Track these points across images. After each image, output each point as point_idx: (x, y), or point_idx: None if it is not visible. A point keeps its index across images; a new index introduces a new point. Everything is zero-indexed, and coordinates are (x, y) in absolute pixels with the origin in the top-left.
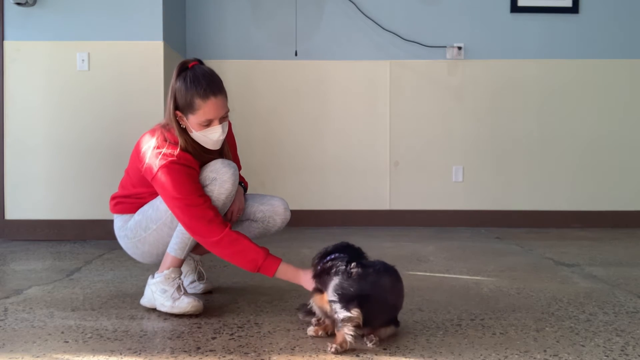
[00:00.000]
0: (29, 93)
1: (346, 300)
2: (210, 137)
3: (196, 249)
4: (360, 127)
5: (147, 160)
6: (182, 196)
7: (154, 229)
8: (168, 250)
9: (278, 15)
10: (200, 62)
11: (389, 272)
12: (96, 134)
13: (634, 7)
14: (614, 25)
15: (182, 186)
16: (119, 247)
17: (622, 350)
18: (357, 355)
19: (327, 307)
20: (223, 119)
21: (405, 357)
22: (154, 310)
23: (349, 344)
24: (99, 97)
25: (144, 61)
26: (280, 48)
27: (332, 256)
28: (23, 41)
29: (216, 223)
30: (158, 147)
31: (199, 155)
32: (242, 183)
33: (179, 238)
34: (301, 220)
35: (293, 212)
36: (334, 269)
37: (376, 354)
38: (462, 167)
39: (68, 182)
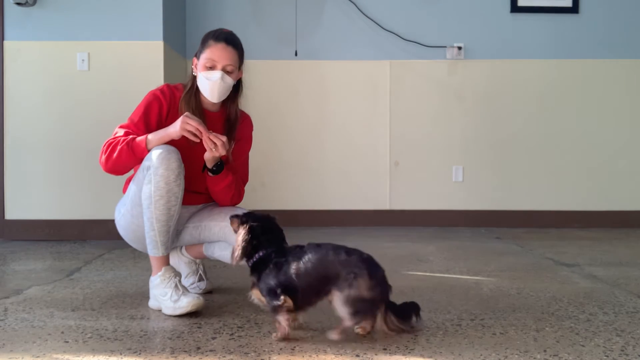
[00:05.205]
0: (29, 93)
1: (271, 290)
2: (210, 77)
3: (193, 251)
4: (360, 127)
5: None
6: (130, 117)
7: (128, 210)
8: (148, 252)
9: (278, 15)
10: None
11: (315, 250)
12: (96, 134)
13: (634, 7)
14: (614, 25)
15: (139, 108)
16: (119, 247)
17: (622, 350)
18: (357, 356)
19: (263, 299)
20: (227, 72)
21: (405, 357)
22: (153, 310)
23: (286, 331)
24: (99, 97)
25: (144, 61)
26: (280, 48)
27: (261, 253)
28: (23, 41)
29: (121, 132)
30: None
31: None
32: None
33: (148, 236)
34: (301, 220)
35: (293, 211)
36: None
37: (376, 354)
38: (462, 167)
39: (68, 182)
